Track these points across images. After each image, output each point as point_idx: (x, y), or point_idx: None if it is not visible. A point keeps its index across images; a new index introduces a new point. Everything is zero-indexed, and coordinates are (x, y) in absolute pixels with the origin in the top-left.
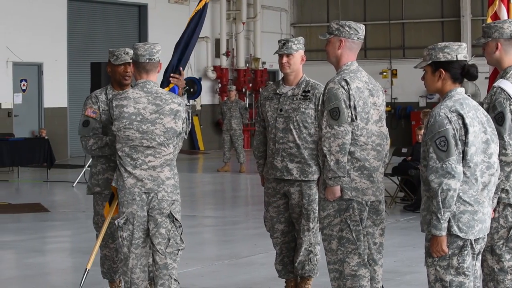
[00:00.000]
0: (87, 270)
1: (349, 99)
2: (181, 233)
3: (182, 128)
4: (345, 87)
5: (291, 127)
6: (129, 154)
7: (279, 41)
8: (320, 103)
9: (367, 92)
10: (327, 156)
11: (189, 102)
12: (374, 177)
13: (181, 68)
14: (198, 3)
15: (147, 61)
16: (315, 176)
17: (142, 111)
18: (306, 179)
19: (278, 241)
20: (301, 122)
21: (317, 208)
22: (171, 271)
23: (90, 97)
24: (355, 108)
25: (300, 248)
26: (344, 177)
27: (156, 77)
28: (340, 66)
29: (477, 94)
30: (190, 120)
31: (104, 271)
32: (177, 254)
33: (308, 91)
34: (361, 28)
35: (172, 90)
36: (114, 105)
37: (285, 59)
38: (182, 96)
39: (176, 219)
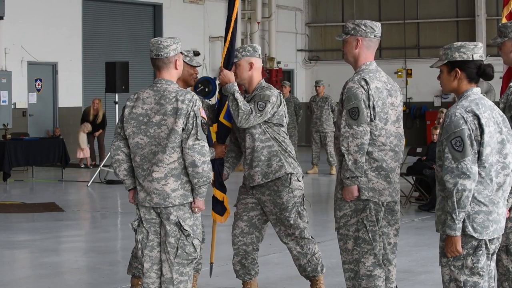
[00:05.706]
0: (212, 264)
1: (368, 99)
2: (192, 241)
3: (185, 129)
4: (365, 87)
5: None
6: (140, 164)
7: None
8: (338, 103)
9: (386, 93)
10: (345, 155)
11: (208, 99)
12: (391, 178)
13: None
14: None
15: (154, 57)
16: (278, 174)
17: (149, 112)
18: (268, 180)
19: (236, 240)
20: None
21: (292, 216)
22: (178, 286)
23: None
24: (374, 108)
25: (292, 253)
26: (362, 177)
27: (173, 74)
28: (358, 66)
29: (491, 93)
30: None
31: (134, 265)
32: (187, 265)
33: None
34: (377, 26)
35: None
36: (125, 105)
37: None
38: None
39: (184, 228)
